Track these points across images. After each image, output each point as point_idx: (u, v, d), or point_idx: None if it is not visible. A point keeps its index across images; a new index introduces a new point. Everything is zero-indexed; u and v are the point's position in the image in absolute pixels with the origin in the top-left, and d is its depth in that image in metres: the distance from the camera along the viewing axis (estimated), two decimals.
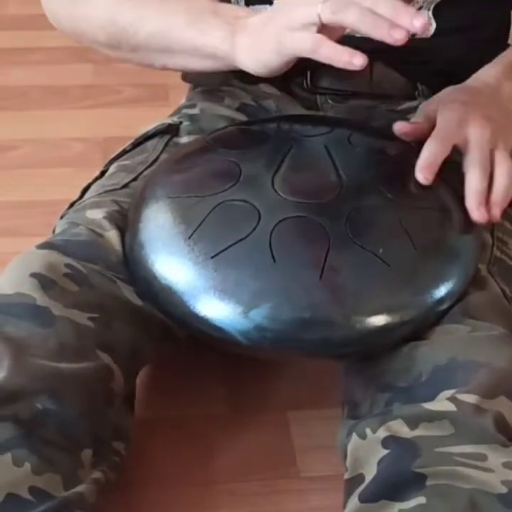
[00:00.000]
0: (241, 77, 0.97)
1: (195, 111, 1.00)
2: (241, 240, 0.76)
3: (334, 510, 0.74)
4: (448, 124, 0.82)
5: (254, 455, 0.88)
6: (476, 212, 0.79)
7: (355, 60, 0.71)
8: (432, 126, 0.83)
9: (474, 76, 0.89)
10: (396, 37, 0.69)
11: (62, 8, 0.95)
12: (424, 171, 0.79)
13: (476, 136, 0.81)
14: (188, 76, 1.05)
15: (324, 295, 0.73)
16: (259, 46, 0.79)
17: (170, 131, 0.98)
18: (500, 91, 0.87)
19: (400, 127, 0.85)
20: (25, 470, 0.64)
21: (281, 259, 0.74)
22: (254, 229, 0.76)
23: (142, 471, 0.85)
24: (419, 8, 0.91)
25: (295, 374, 0.98)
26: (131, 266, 0.80)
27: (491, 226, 0.86)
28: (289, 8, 0.75)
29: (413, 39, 0.91)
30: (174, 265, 0.77)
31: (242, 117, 0.98)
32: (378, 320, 0.73)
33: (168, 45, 0.88)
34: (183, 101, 1.06)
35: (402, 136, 0.85)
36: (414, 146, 0.85)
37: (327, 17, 0.71)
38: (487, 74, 0.89)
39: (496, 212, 0.79)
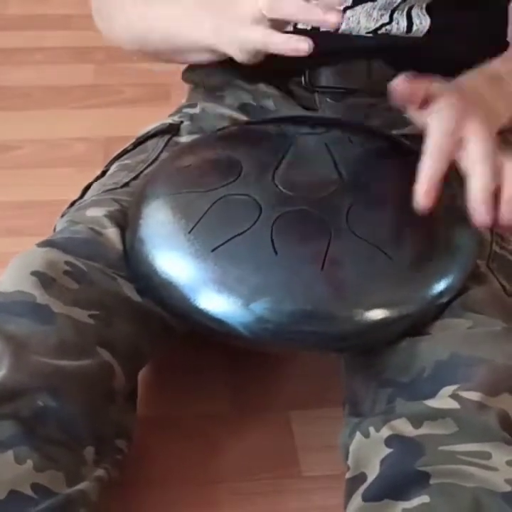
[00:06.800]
0: (241, 76, 0.97)
1: (195, 110, 1.01)
2: (242, 233, 0.76)
3: (337, 509, 0.74)
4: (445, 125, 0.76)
5: (256, 454, 0.88)
6: (482, 212, 0.73)
7: (300, 45, 0.74)
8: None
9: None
10: (332, 21, 0.72)
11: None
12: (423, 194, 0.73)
13: (475, 132, 0.75)
14: (188, 76, 1.05)
15: (325, 288, 0.73)
16: (229, 43, 0.81)
17: (170, 130, 0.98)
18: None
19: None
20: (27, 467, 0.64)
21: (282, 252, 0.74)
22: (255, 222, 0.76)
23: (143, 469, 0.85)
24: (411, 7, 0.91)
25: (297, 373, 0.98)
26: (132, 262, 0.80)
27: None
28: (237, 7, 0.78)
29: (411, 37, 0.91)
30: (175, 260, 0.77)
31: (242, 117, 0.98)
32: (378, 313, 0.73)
33: (174, 47, 0.91)
34: (184, 101, 1.07)
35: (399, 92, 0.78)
36: (413, 144, 0.86)
37: (268, 12, 0.75)
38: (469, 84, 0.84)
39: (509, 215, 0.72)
